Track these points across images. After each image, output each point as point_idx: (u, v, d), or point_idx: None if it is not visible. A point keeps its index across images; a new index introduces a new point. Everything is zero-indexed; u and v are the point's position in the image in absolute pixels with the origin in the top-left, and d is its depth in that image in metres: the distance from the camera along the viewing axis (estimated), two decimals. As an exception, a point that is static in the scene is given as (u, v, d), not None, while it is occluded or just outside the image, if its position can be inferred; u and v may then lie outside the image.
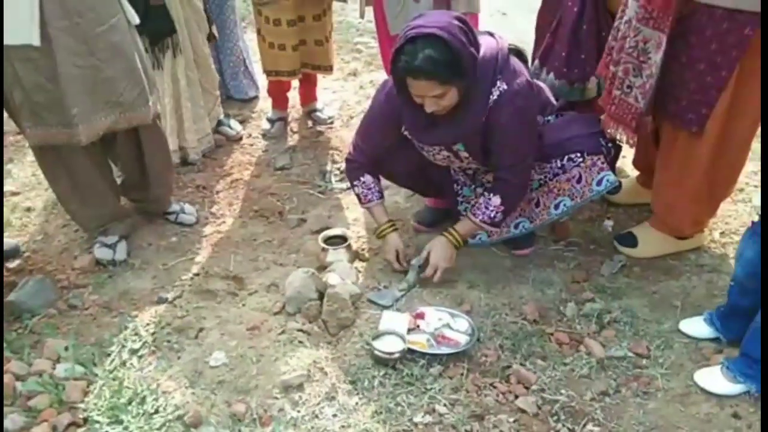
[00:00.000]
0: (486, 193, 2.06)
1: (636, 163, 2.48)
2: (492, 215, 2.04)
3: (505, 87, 1.88)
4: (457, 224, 2.13)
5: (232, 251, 2.36)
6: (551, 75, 2.27)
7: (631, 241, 2.26)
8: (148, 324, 1.95)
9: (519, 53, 2.04)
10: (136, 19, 2.08)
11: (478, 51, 1.86)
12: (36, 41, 1.82)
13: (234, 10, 3.27)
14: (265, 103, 3.39)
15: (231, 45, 3.31)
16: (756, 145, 2.05)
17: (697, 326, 1.92)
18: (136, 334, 1.91)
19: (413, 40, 1.76)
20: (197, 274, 2.22)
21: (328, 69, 3.10)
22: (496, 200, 2.03)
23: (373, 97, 2.16)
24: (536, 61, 2.36)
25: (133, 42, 2.06)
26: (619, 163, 2.43)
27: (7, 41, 1.82)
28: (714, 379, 1.75)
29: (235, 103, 3.43)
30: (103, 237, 2.28)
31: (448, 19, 1.81)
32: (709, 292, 2.08)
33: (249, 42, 3.52)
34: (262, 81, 3.36)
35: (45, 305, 2.02)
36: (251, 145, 3.13)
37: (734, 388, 1.72)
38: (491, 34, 1.98)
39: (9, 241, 2.31)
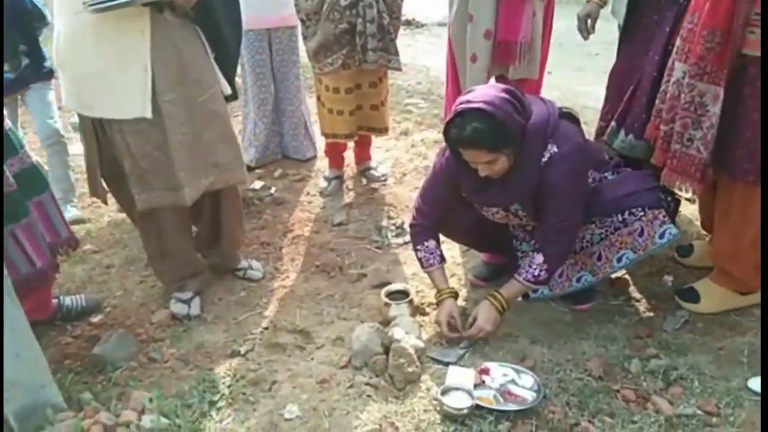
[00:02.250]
0: (531, 253, 2.12)
1: (704, 224, 2.50)
2: (536, 273, 2.09)
3: (556, 150, 1.98)
4: (503, 287, 2.17)
5: (297, 305, 2.46)
6: (630, 136, 2.34)
7: (693, 296, 2.26)
8: (224, 377, 2.04)
9: (570, 116, 2.14)
10: (228, 90, 2.28)
11: (527, 118, 1.98)
12: (149, 114, 2.02)
13: (298, 76, 3.48)
14: (321, 163, 3.56)
15: (293, 108, 3.51)
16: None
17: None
18: (213, 386, 1.99)
19: (462, 114, 1.91)
20: (266, 328, 2.31)
21: (383, 131, 3.26)
22: (539, 258, 2.08)
23: (434, 162, 2.28)
24: (612, 124, 2.43)
25: (227, 111, 2.26)
26: (688, 226, 2.44)
27: (120, 115, 2.02)
28: (789, 439, 1.72)
29: (293, 163, 3.60)
30: (178, 293, 2.41)
31: (495, 93, 1.95)
32: (777, 349, 2.06)
33: (310, 106, 3.72)
34: (320, 142, 3.54)
35: (127, 358, 2.14)
36: (309, 202, 3.28)
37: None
38: (543, 100, 2.10)
39: (93, 298, 2.47)
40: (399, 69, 3.03)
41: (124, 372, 2.09)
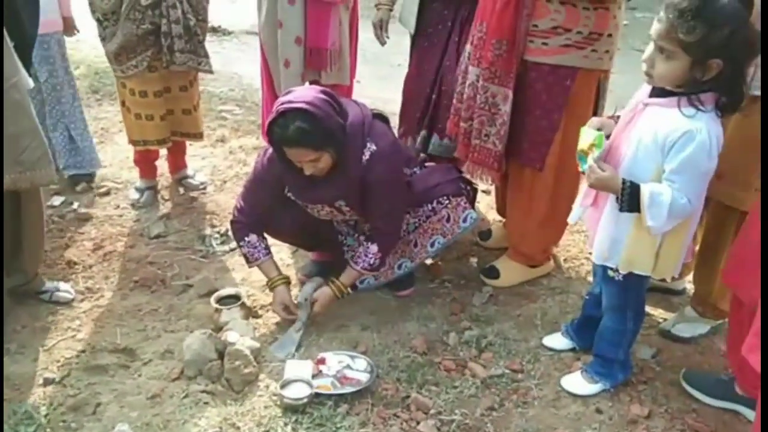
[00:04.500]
0: (365, 243, 2.27)
1: (499, 210, 2.84)
2: (371, 262, 2.24)
3: (375, 147, 2.14)
4: (342, 275, 2.30)
5: (117, 324, 2.31)
6: (445, 140, 2.56)
7: (494, 273, 2.57)
8: (38, 406, 1.86)
9: (381, 116, 2.32)
10: (31, 83, 2.07)
11: (345, 118, 2.11)
12: None
13: (72, 85, 3.15)
14: (130, 174, 3.35)
15: (70, 120, 3.16)
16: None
17: (556, 340, 2.24)
18: (28, 417, 1.80)
19: (284, 113, 1.98)
20: (83, 351, 2.14)
21: (198, 136, 3.18)
22: (373, 248, 2.23)
23: (255, 161, 2.30)
24: (423, 132, 2.64)
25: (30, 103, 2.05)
26: (486, 215, 2.75)
27: None
28: (577, 382, 2.05)
29: (81, 178, 3.26)
30: (-30, 323, 2.12)
31: (314, 94, 2.05)
32: (563, 311, 2.43)
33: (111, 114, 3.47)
34: (123, 153, 3.31)
35: None
36: (120, 216, 3.07)
37: (594, 387, 2.03)
38: (355, 102, 2.25)
39: None
40: (210, 71, 2.98)
41: None
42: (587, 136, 1.76)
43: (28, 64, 2.13)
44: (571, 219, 1.95)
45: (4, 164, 1.97)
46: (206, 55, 2.90)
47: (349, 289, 2.31)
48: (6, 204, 2.14)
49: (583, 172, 1.78)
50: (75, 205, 3.08)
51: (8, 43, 1.99)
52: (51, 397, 1.91)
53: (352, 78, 3.12)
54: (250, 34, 5.87)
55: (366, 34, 2.96)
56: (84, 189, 3.22)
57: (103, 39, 2.80)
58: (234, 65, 5.07)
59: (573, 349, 2.21)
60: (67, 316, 2.34)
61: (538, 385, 2.07)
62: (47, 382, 1.98)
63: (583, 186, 1.90)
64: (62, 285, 2.45)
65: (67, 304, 2.40)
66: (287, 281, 2.33)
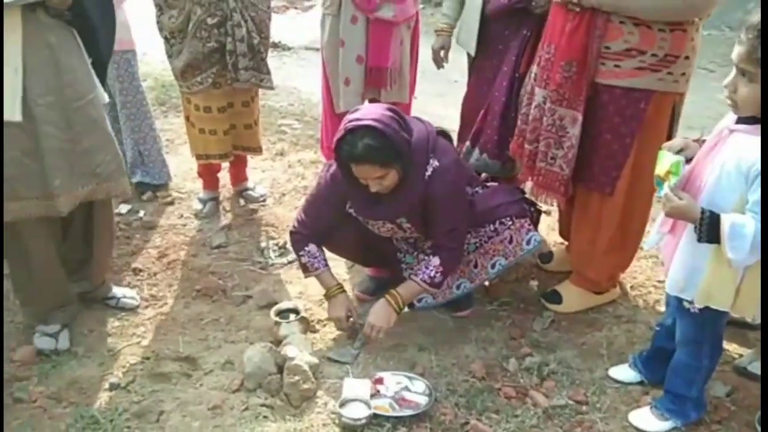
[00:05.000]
0: (426, 256, 2.24)
1: (562, 233, 2.77)
2: (432, 275, 2.20)
3: (437, 164, 2.12)
4: (400, 287, 2.27)
5: (180, 332, 2.35)
6: (484, 155, 2.54)
7: (557, 298, 2.50)
8: (104, 411, 1.90)
9: (444, 134, 2.30)
10: (106, 98, 2.16)
11: (410, 135, 2.09)
12: (18, 117, 1.86)
13: (143, 102, 3.24)
14: (194, 185, 3.43)
15: (143, 134, 3.27)
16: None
17: (624, 372, 2.15)
18: (94, 422, 1.85)
19: (353, 131, 1.99)
20: (147, 358, 2.19)
21: (257, 150, 3.23)
22: (435, 261, 2.20)
23: (319, 176, 2.32)
24: (467, 143, 2.63)
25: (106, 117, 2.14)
26: (546, 236, 2.69)
27: None
28: (646, 418, 1.96)
29: (148, 187, 3.36)
30: (43, 326, 2.20)
31: (381, 111, 2.05)
32: (629, 340, 2.34)
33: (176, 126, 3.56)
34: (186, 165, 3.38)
35: (-14, 402, 1.91)
36: (184, 225, 3.15)
37: (664, 425, 1.94)
38: (419, 120, 2.24)
39: None
40: (272, 88, 3.03)
41: (-16, 417, 1.86)
42: (665, 160, 1.69)
43: (103, 80, 2.22)
44: (646, 245, 1.89)
45: (81, 177, 2.05)
46: (268, 72, 2.95)
47: (405, 306, 2.27)
48: (78, 213, 2.22)
49: (660, 198, 1.71)
50: (141, 214, 3.18)
51: (87, 60, 2.07)
52: (116, 402, 1.95)
53: (412, 95, 3.12)
54: (309, 49, 5.97)
55: (425, 49, 2.96)
56: (150, 198, 3.31)
57: (170, 56, 2.89)
58: (294, 80, 5.16)
59: (641, 383, 2.12)
60: (132, 323, 2.40)
61: (604, 419, 1.99)
62: (113, 387, 2.03)
63: (661, 211, 1.82)
64: (128, 291, 2.52)
65: (133, 310, 2.46)
66: (344, 291, 2.33)
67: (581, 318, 2.46)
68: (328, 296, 2.32)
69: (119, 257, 2.80)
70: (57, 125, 1.96)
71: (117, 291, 2.49)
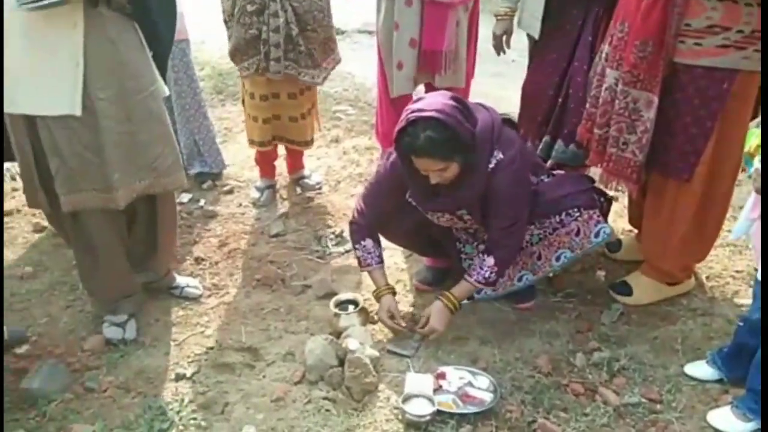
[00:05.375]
0: (481, 255, 2.17)
1: (632, 220, 2.64)
2: (486, 275, 2.13)
3: (501, 156, 2.03)
4: (455, 287, 2.21)
5: (242, 322, 2.37)
6: (571, 146, 2.41)
7: (626, 289, 2.38)
8: (171, 402, 1.94)
9: (510, 121, 2.20)
10: (167, 91, 2.17)
11: (474, 125, 2.01)
12: (78, 111, 1.88)
13: (197, 92, 3.26)
14: (251, 173, 3.45)
15: (197, 124, 3.28)
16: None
17: (701, 369, 2.04)
18: (161, 413, 1.88)
19: (414, 122, 1.92)
20: (211, 348, 2.21)
21: (302, 144, 3.17)
22: (490, 260, 2.13)
23: (378, 164, 2.27)
24: (546, 138, 2.51)
25: (165, 111, 2.15)
26: (613, 224, 2.57)
27: (48, 112, 1.88)
28: (726, 419, 1.85)
29: (207, 176, 3.39)
30: (111, 316, 2.26)
31: (444, 101, 1.97)
32: (706, 335, 2.21)
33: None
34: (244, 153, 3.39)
35: (60, 390, 1.97)
36: (242, 214, 3.17)
37: (746, 426, 1.82)
38: (484, 107, 2.14)
39: (16, 329, 2.26)
40: (312, 83, 2.93)
41: (59, 405, 1.93)
42: (755, 136, 1.57)
43: (164, 72, 2.23)
44: (734, 234, 1.76)
45: (139, 170, 2.07)
46: (310, 66, 2.85)
47: (460, 304, 2.21)
48: (142, 206, 2.26)
49: (750, 177, 1.59)
50: (201, 203, 3.22)
51: (147, 53, 2.08)
52: (183, 393, 1.98)
53: (471, 78, 3.02)
54: (362, 32, 5.91)
55: (484, 30, 2.84)
56: (210, 187, 3.36)
57: (228, 38, 2.90)
58: (347, 65, 5.07)
59: (720, 380, 2.00)
60: (196, 312, 2.43)
61: (680, 419, 1.89)
62: (179, 377, 2.06)
63: (750, 197, 1.69)
64: (191, 281, 2.56)
65: (196, 299, 2.50)
66: (393, 292, 2.29)
67: (653, 311, 2.34)
68: (376, 296, 2.29)
69: (182, 246, 2.84)
70: (117, 119, 1.98)
71: (181, 280, 2.53)
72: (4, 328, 2.17)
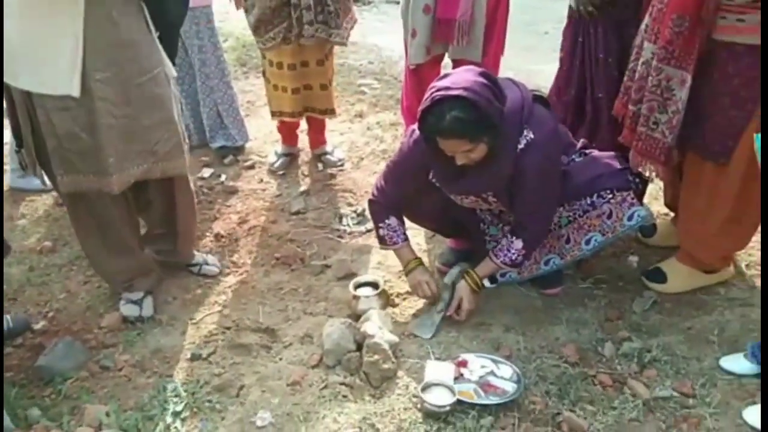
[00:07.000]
0: (508, 236, 2.08)
1: (668, 202, 2.51)
2: (513, 257, 2.06)
3: (532, 136, 1.93)
4: (479, 266, 2.15)
5: (260, 302, 2.33)
6: None
7: (660, 276, 2.27)
8: (186, 383, 1.91)
9: (542, 98, 2.08)
10: (174, 73, 2.09)
11: (503, 104, 1.90)
12: (76, 92, 1.82)
13: (221, 59, 3.20)
14: (272, 147, 3.39)
15: (220, 93, 3.23)
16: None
17: (738, 363, 1.93)
18: (176, 395, 1.86)
19: (440, 101, 1.81)
20: (228, 328, 2.18)
21: (329, 112, 3.12)
22: (518, 244, 2.05)
23: (402, 142, 2.18)
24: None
25: (173, 95, 2.07)
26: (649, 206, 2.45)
27: (45, 91, 1.83)
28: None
29: (229, 150, 3.34)
30: (128, 293, 2.24)
31: (473, 78, 1.86)
32: (744, 327, 2.09)
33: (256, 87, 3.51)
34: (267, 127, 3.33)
35: (76, 368, 1.97)
36: (264, 190, 3.12)
37: (785, 425, 1.72)
38: (514, 83, 2.03)
39: (20, 317, 2.23)
40: (343, 43, 2.88)
41: (74, 383, 1.92)
42: None
43: (173, 52, 2.14)
44: None
45: (138, 155, 2.01)
46: (338, 27, 2.80)
47: (486, 282, 2.15)
48: (157, 190, 2.21)
49: None
50: (222, 178, 3.18)
51: (153, 35, 2.00)
52: (198, 374, 1.95)
53: (499, 56, 2.87)
54: (389, 3, 5.76)
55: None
56: (231, 162, 3.31)
57: (246, 11, 2.82)
58: (373, 36, 4.98)
59: (758, 375, 1.89)
60: (214, 290, 2.40)
61: (714, 415, 1.79)
62: (194, 357, 2.03)
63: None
64: (210, 258, 2.52)
65: (214, 277, 2.46)
66: (422, 264, 2.23)
67: (688, 299, 2.23)
68: (406, 271, 2.22)
69: (202, 222, 2.81)
70: (114, 102, 1.90)
71: (199, 257, 2.49)
72: (7, 316, 2.15)
